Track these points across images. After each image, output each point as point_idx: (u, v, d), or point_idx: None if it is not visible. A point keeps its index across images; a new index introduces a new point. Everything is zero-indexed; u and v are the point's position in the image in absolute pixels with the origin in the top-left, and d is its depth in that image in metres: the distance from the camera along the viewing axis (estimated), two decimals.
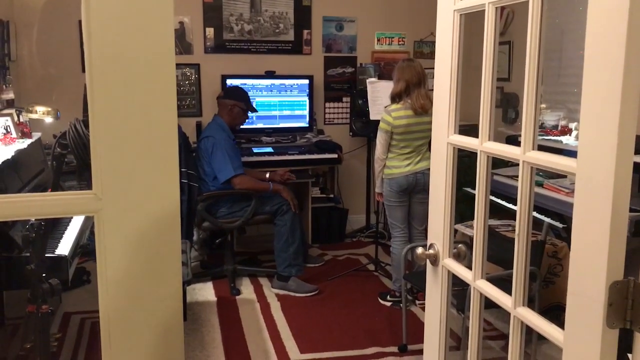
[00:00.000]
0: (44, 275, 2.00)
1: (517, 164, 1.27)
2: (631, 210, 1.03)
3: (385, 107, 3.78)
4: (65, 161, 2.01)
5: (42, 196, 1.29)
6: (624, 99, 0.95)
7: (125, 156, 1.15)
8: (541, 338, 2.85)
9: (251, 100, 4.40)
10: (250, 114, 4.46)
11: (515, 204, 1.29)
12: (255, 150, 4.80)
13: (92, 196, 1.15)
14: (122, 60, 1.12)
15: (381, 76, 5.13)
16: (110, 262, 1.17)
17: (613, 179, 0.98)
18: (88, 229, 3.07)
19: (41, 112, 3.22)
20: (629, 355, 1.06)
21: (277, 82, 5.11)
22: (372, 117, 4.39)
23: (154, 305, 1.22)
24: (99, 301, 1.19)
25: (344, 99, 5.46)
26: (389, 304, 3.89)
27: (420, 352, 3.18)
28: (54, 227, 2.75)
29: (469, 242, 1.92)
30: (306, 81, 5.19)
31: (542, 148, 1.23)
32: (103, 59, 1.11)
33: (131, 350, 1.22)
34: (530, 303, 1.32)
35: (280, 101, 5.16)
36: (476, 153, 1.43)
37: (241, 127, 4.60)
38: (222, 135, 4.13)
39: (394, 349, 3.28)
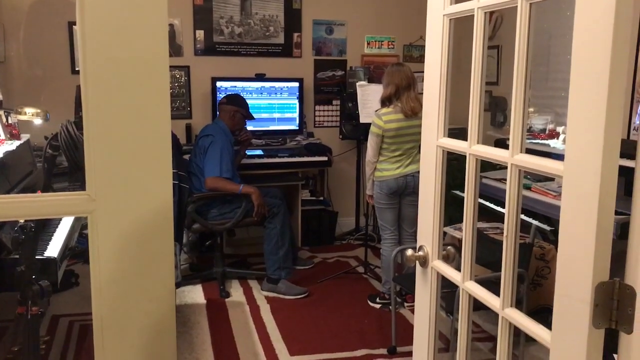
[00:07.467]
0: (33, 277, 1.99)
1: (505, 167, 1.29)
2: (617, 212, 1.04)
3: (376, 110, 3.79)
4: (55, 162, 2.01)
5: (36, 197, 1.29)
6: (609, 103, 0.97)
7: (119, 157, 1.16)
8: (529, 340, 2.87)
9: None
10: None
11: (503, 207, 1.31)
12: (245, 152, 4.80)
13: (86, 197, 1.16)
14: (117, 62, 1.13)
15: (371, 79, 5.16)
16: (104, 262, 1.17)
17: (599, 182, 1.00)
18: (77, 231, 3.06)
19: (30, 114, 3.20)
20: (615, 356, 1.08)
21: (267, 84, 5.12)
22: (362, 120, 4.40)
23: (147, 306, 1.23)
24: (92, 302, 1.19)
25: (334, 102, 5.48)
26: (378, 306, 3.90)
27: (409, 354, 3.19)
28: (43, 229, 2.73)
29: (457, 245, 1.94)
30: (296, 84, 5.20)
31: (530, 151, 1.25)
32: (97, 61, 1.11)
33: (124, 351, 1.22)
34: (518, 305, 1.34)
35: (270, 104, 5.17)
36: (464, 156, 1.44)
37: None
38: (223, 137, 4.15)
39: (383, 351, 3.30)
